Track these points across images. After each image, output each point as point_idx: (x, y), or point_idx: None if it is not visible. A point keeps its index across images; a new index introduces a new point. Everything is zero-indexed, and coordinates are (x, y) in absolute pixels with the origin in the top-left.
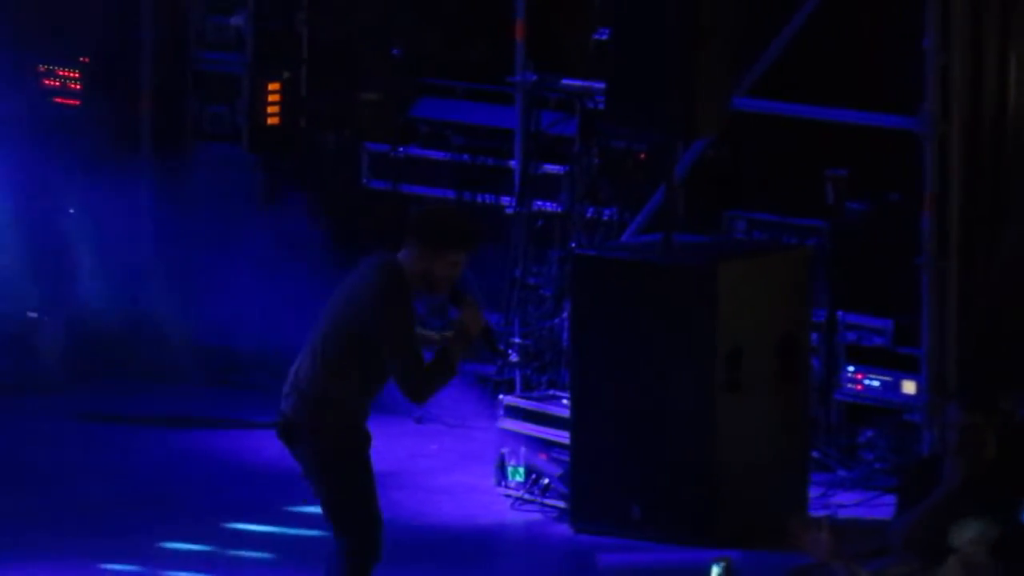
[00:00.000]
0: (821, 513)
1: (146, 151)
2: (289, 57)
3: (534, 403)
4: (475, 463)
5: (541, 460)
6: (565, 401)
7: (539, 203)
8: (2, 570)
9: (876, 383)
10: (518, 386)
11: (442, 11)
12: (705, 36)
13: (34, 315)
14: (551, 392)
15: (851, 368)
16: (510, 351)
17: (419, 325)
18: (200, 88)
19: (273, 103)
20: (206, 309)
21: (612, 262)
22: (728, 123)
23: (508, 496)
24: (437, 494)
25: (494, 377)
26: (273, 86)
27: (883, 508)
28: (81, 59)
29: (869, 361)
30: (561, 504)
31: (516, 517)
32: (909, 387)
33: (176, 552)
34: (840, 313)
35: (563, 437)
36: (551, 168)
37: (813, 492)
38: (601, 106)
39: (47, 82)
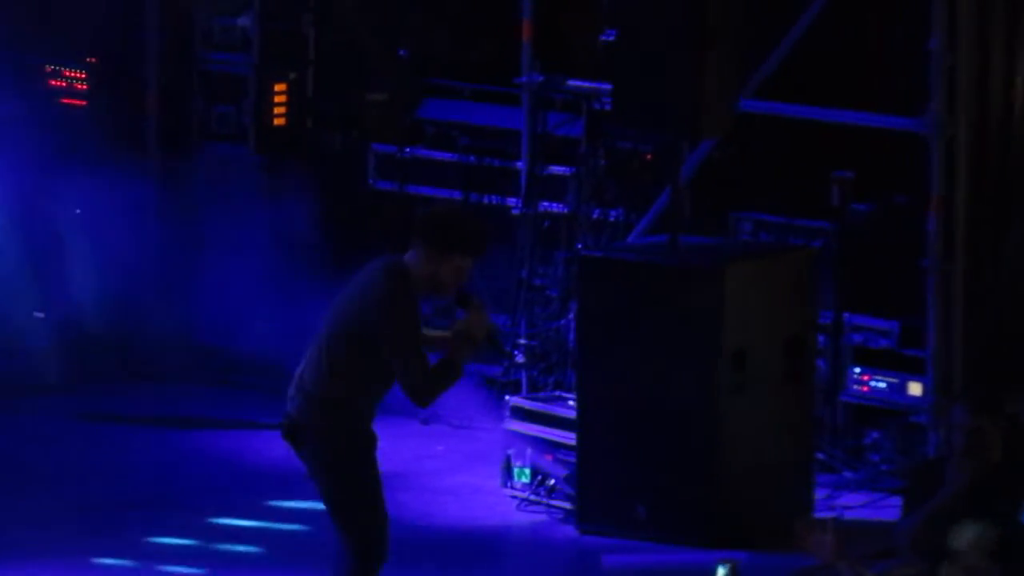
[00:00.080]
0: (827, 515)
1: (152, 151)
2: (295, 58)
3: (540, 404)
4: (481, 464)
5: (547, 461)
6: (571, 402)
7: (545, 204)
8: None
9: (882, 385)
10: (524, 387)
11: (449, 12)
12: (712, 37)
13: (40, 315)
14: (557, 393)
15: (857, 369)
16: (516, 352)
17: (425, 326)
18: (206, 88)
19: (279, 104)
20: (210, 309)
21: (618, 263)
22: (734, 124)
23: (514, 497)
24: (443, 495)
25: (500, 378)
26: (279, 87)
27: (889, 510)
28: (87, 59)
29: (875, 363)
30: (567, 505)
31: (522, 518)
32: (915, 389)
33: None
34: (846, 314)
35: (569, 438)
36: (557, 169)
37: (819, 493)
38: (608, 107)
39: (53, 82)
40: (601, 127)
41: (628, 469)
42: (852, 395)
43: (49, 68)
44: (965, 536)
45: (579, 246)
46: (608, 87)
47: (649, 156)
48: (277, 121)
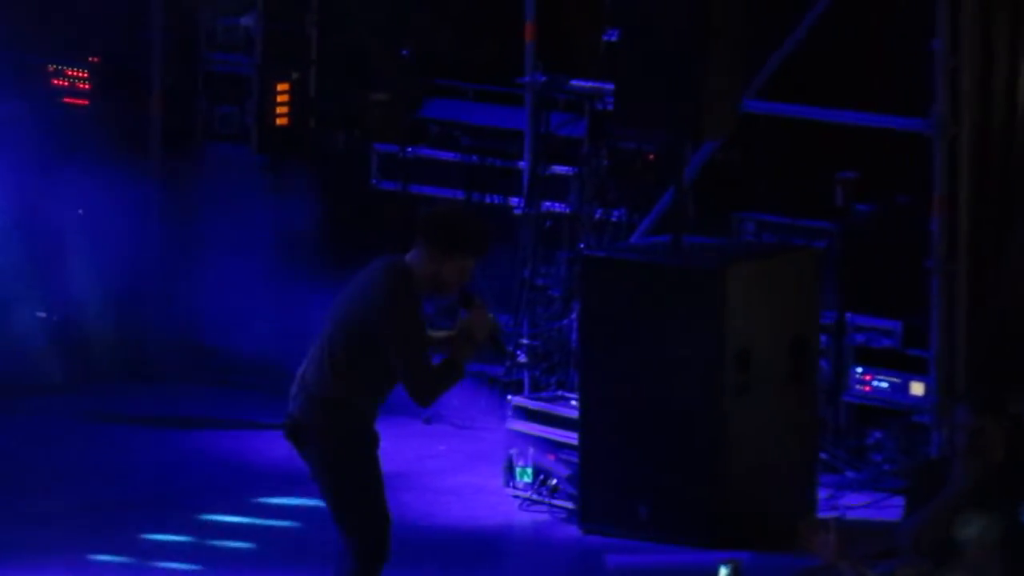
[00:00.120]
0: (829, 515)
1: (155, 151)
2: (298, 58)
3: (542, 404)
4: (483, 464)
5: (549, 461)
6: (573, 402)
7: (548, 204)
8: None
9: (885, 385)
10: (526, 387)
11: (452, 12)
12: (715, 38)
13: (43, 315)
14: (559, 393)
15: (860, 369)
16: (518, 352)
17: (428, 326)
18: (209, 88)
19: (282, 104)
20: (211, 309)
21: (621, 263)
22: (738, 125)
23: (516, 497)
24: (445, 495)
25: (502, 378)
26: (282, 87)
27: (891, 510)
28: (90, 59)
29: (878, 363)
30: (569, 505)
31: (524, 518)
32: (918, 389)
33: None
34: (849, 315)
35: (571, 438)
36: (560, 169)
37: (821, 494)
38: (610, 107)
39: (56, 82)
40: (604, 127)
41: (631, 469)
42: (855, 395)
43: (52, 68)
44: (969, 530)
45: (581, 246)
46: (611, 87)
47: (652, 156)
48: (280, 121)
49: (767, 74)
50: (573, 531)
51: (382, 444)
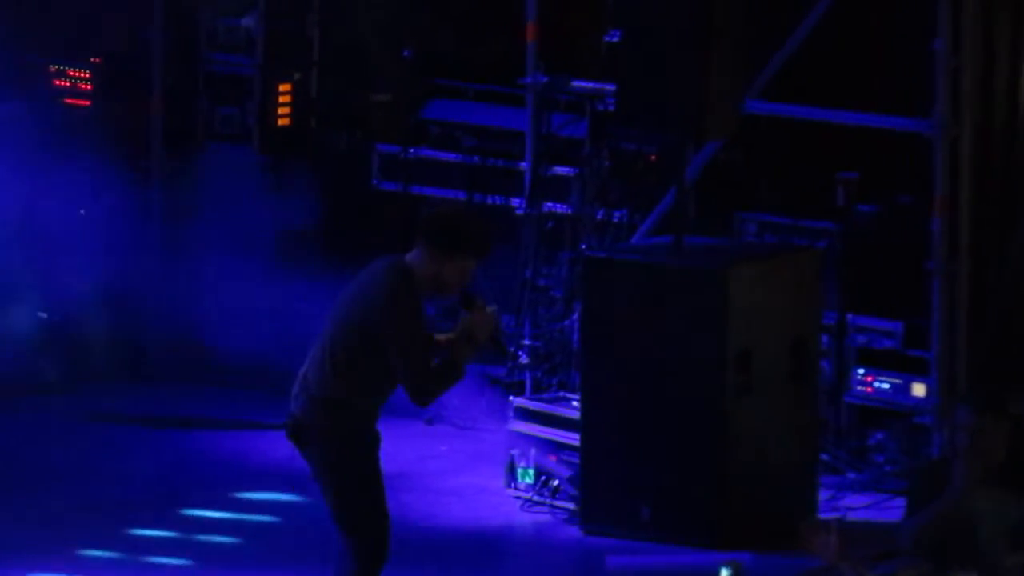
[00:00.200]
0: (831, 516)
1: (156, 152)
2: (300, 58)
3: (544, 405)
4: (485, 465)
5: (551, 462)
6: (575, 403)
7: (549, 205)
8: None
9: (886, 385)
10: (528, 388)
11: (453, 12)
12: (716, 38)
13: (43, 315)
14: (561, 394)
15: (861, 370)
16: (520, 353)
17: (429, 327)
18: (211, 89)
19: (284, 104)
20: (212, 309)
21: (622, 264)
22: (739, 125)
23: (518, 498)
24: (446, 496)
25: (504, 379)
26: (284, 87)
27: (893, 511)
28: (92, 60)
29: (879, 364)
30: (571, 506)
31: (526, 519)
32: (919, 389)
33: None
34: (850, 315)
35: (573, 439)
36: (561, 170)
37: (823, 495)
38: (612, 108)
39: (57, 83)
40: (605, 128)
41: (632, 470)
42: (856, 396)
43: (53, 68)
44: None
45: (583, 247)
46: (612, 88)
47: (653, 157)
48: (281, 121)
49: (769, 74)
50: (574, 532)
51: (383, 444)
